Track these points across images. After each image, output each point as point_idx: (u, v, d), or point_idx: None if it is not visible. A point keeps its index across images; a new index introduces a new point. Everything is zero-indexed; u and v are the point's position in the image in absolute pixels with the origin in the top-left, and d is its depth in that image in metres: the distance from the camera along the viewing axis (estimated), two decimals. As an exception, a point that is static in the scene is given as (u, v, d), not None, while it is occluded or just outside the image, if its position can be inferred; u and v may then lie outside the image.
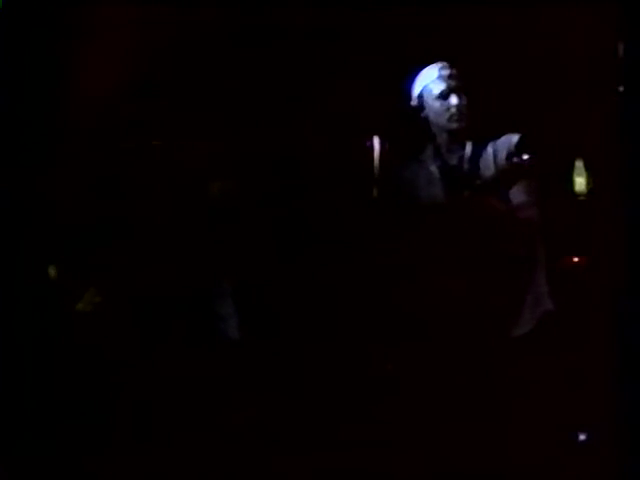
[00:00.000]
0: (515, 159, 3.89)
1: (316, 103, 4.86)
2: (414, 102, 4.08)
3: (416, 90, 4.16)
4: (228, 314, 4.39)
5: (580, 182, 5.17)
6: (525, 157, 3.85)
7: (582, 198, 5.14)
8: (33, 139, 4.22)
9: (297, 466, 3.91)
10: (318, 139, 4.79)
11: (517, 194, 3.88)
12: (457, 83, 4.00)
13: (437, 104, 4.05)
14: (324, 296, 4.51)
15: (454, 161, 4.12)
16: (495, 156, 3.94)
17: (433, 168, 4.09)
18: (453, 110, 4.00)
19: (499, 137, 4.00)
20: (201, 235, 4.40)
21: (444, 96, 4.02)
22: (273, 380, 4.23)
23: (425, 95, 4.07)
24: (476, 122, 3.95)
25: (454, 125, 4.01)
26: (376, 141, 4.04)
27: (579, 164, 5.19)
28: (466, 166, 4.04)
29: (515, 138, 3.89)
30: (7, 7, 3.84)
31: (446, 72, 4.04)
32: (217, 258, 4.41)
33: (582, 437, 4.22)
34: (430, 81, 4.07)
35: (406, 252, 4.00)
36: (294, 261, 4.61)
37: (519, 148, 3.90)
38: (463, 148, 4.01)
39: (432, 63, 4.09)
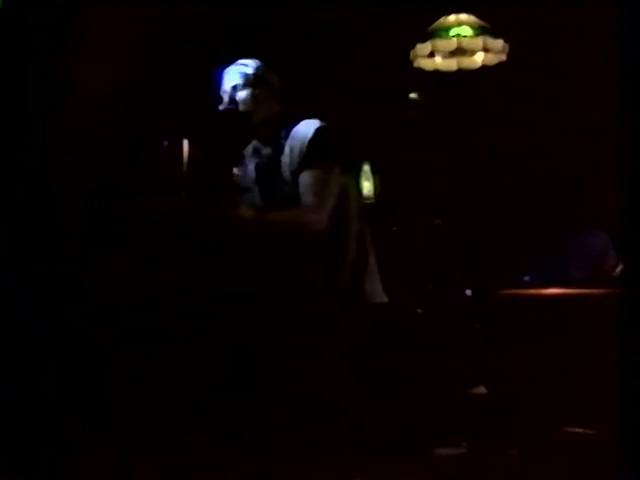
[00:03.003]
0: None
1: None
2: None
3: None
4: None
5: (367, 186, 5.28)
6: None
7: (370, 202, 5.24)
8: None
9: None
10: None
11: (311, 201, 3.84)
12: (245, 80, 3.86)
13: (223, 101, 3.93)
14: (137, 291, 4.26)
15: (265, 160, 4.01)
16: (291, 152, 3.86)
17: (251, 167, 3.97)
18: (226, 108, 3.87)
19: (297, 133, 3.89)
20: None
21: (223, 93, 3.89)
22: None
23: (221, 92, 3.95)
24: (284, 119, 3.87)
25: (232, 123, 3.89)
26: (185, 143, 3.84)
27: (366, 168, 5.29)
28: (272, 165, 3.95)
29: (310, 134, 3.80)
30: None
31: (236, 69, 3.90)
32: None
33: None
34: (222, 78, 3.95)
35: (221, 251, 3.87)
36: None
37: (313, 144, 3.85)
38: (272, 145, 3.91)
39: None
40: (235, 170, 3.86)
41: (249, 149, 3.85)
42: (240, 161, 3.89)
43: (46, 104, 3.98)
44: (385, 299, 3.79)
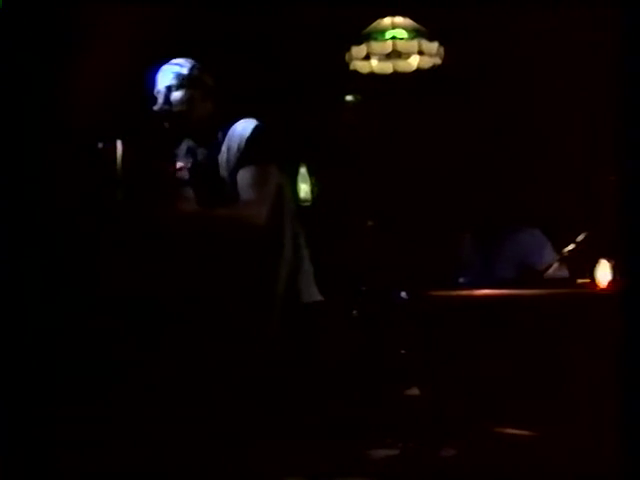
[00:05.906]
0: None
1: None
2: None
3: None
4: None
5: (304, 189, 5.26)
6: None
7: (307, 204, 5.22)
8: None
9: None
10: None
11: (251, 196, 3.82)
12: (179, 80, 3.83)
13: (157, 101, 3.88)
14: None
15: (201, 160, 3.99)
16: (229, 150, 3.84)
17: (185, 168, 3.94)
18: (161, 108, 3.83)
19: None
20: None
21: (157, 94, 3.85)
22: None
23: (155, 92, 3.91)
24: (219, 119, 3.85)
25: (166, 124, 3.85)
26: (119, 144, 3.79)
27: (303, 170, 5.27)
28: (208, 165, 3.92)
29: (247, 132, 3.79)
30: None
31: (170, 69, 3.86)
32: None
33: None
34: (156, 79, 3.90)
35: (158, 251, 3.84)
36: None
37: (251, 142, 3.84)
38: (208, 145, 3.89)
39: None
40: (179, 165, 3.83)
41: (182, 149, 3.82)
42: (173, 161, 3.85)
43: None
44: (320, 297, 3.80)
